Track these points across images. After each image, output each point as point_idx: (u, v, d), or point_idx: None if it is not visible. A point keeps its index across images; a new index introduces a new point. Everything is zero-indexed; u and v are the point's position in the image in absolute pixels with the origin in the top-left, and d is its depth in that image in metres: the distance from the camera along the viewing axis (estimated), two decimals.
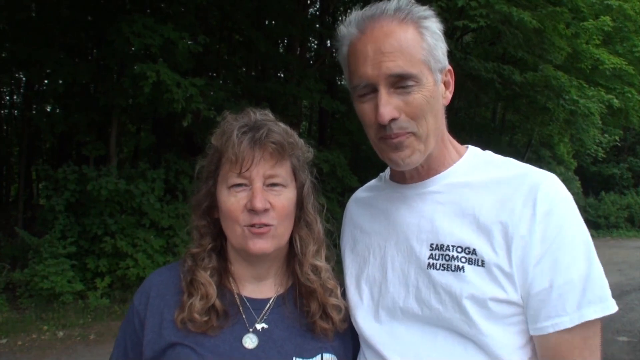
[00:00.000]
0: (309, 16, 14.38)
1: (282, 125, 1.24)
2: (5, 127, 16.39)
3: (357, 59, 1.15)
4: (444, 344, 1.13)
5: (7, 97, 16.25)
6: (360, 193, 1.48)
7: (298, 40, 13.45)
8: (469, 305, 1.09)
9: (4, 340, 6.31)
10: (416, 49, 1.13)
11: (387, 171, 1.39)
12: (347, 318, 1.28)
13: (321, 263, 1.27)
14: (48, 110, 9.95)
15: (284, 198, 1.19)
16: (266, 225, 1.16)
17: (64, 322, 6.97)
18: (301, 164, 1.26)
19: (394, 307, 1.19)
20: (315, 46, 16.17)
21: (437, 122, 1.18)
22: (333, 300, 1.25)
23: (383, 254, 1.26)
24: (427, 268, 1.16)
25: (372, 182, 1.47)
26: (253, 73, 14.29)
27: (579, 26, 11.79)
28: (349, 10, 16.59)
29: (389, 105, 1.11)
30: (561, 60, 11.61)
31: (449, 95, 1.22)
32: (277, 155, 1.17)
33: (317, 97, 11.46)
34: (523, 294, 1.08)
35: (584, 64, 12.74)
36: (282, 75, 14.21)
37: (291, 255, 1.29)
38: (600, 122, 13.90)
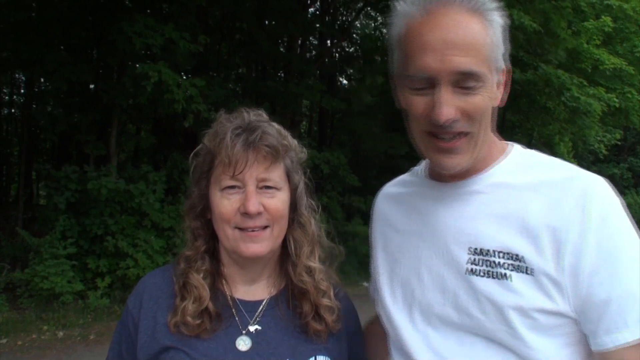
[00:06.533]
0: (309, 16, 14.38)
1: (275, 126, 1.22)
2: (5, 127, 16.39)
3: (418, 46, 1.02)
4: (482, 354, 1.05)
5: (7, 97, 16.25)
6: (391, 188, 1.36)
7: (298, 40, 13.46)
8: (513, 316, 1.01)
9: (4, 340, 6.31)
10: (483, 44, 1.02)
11: (423, 166, 1.29)
12: (341, 319, 1.26)
13: (315, 264, 1.26)
14: (49, 110, 9.96)
15: (278, 200, 1.17)
16: (260, 228, 1.15)
17: (64, 322, 6.96)
18: (295, 165, 1.24)
19: (430, 313, 1.13)
20: (315, 45, 16.17)
21: (490, 125, 1.10)
22: (326, 302, 1.23)
23: (418, 255, 1.17)
24: (467, 273, 1.07)
25: (405, 176, 1.36)
26: (254, 74, 14.29)
27: (579, 25, 11.82)
28: (348, 10, 16.59)
29: (449, 107, 1.00)
30: (563, 57, 11.63)
31: (503, 96, 1.13)
32: (271, 158, 1.16)
33: (318, 96, 11.47)
34: (576, 305, 1.00)
35: (584, 64, 12.76)
36: (282, 75, 14.22)
37: (284, 257, 1.27)
38: (599, 122, 13.92)
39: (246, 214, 1.13)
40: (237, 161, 1.13)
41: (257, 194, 1.15)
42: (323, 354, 1.21)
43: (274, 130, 1.20)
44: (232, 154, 1.13)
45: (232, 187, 1.15)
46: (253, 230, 1.15)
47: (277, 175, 1.18)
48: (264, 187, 1.16)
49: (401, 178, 1.37)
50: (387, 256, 1.27)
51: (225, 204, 1.15)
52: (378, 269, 1.29)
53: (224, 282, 1.23)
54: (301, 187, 1.26)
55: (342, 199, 12.16)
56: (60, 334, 6.64)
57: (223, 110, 1.25)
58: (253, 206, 1.12)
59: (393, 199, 1.32)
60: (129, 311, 1.22)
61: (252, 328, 1.19)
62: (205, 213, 1.23)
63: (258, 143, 1.14)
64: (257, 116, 1.22)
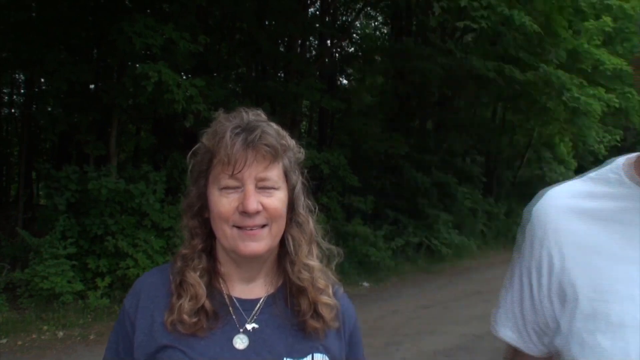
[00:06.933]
0: (309, 16, 14.39)
1: (274, 126, 1.23)
2: (5, 127, 16.40)
3: None
4: None
5: (7, 97, 16.26)
6: (575, 201, 1.05)
7: (298, 40, 13.47)
8: None
9: (4, 340, 6.31)
10: None
11: (623, 173, 1.02)
12: (339, 317, 1.26)
13: (313, 262, 1.26)
14: (49, 110, 9.98)
15: (276, 199, 1.18)
16: (258, 226, 1.15)
17: (64, 322, 6.97)
18: (292, 165, 1.25)
19: None
20: (316, 45, 16.18)
21: None
22: (324, 299, 1.23)
23: None
24: None
25: (588, 186, 1.06)
26: (254, 74, 14.30)
27: (580, 24, 11.86)
28: (348, 10, 16.60)
29: None
30: (563, 57, 11.67)
31: None
32: (270, 157, 1.16)
33: (318, 96, 11.48)
34: None
35: (584, 64, 12.79)
36: (282, 75, 14.23)
37: (282, 255, 1.28)
38: (599, 123, 13.94)
39: (245, 213, 1.13)
40: (236, 160, 1.13)
41: (256, 193, 1.15)
42: (320, 352, 1.21)
43: (273, 130, 1.20)
44: (232, 153, 1.13)
45: (231, 186, 1.15)
46: (251, 229, 1.15)
47: (275, 174, 1.18)
48: (263, 186, 1.17)
49: (583, 188, 1.06)
50: (587, 292, 0.99)
51: (224, 202, 1.15)
52: (565, 303, 1.03)
53: (220, 280, 1.23)
54: (299, 186, 1.26)
55: (342, 199, 12.16)
56: (60, 334, 6.65)
57: (222, 110, 1.25)
58: (252, 205, 1.13)
59: (585, 216, 1.03)
60: (125, 311, 1.22)
61: (249, 326, 1.19)
62: (202, 212, 1.23)
63: (257, 142, 1.15)
64: (255, 116, 1.22)
